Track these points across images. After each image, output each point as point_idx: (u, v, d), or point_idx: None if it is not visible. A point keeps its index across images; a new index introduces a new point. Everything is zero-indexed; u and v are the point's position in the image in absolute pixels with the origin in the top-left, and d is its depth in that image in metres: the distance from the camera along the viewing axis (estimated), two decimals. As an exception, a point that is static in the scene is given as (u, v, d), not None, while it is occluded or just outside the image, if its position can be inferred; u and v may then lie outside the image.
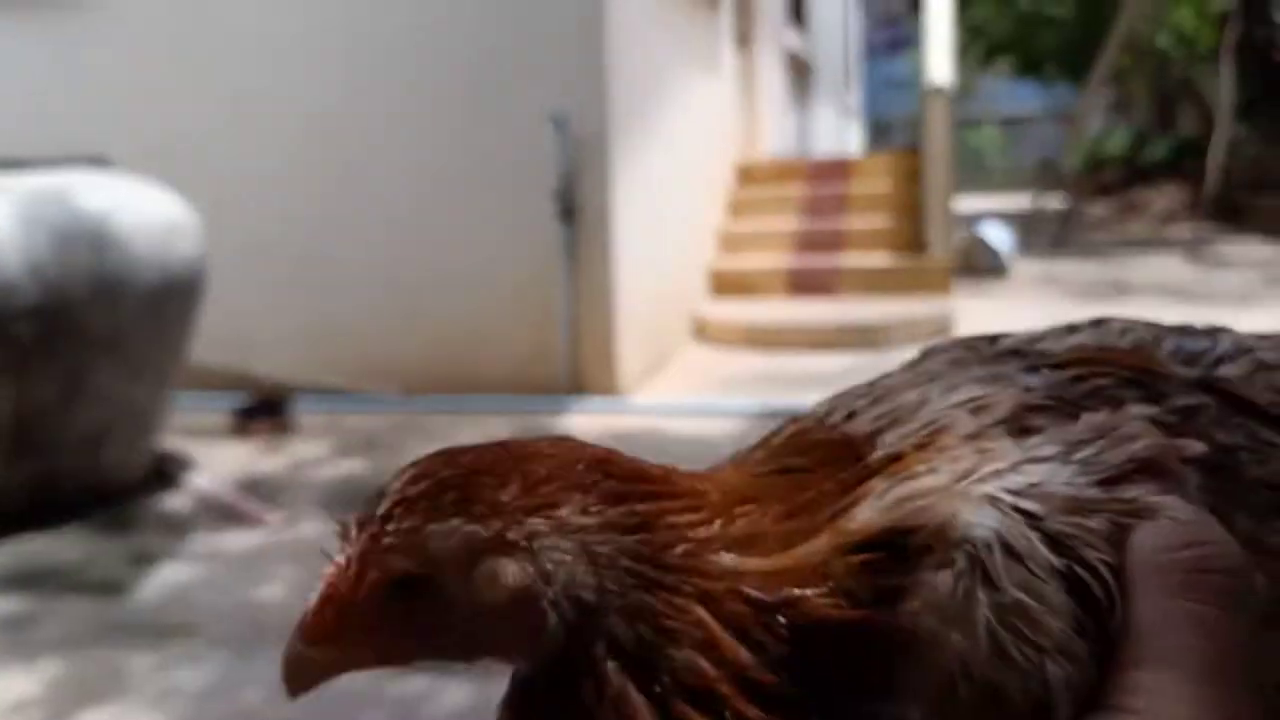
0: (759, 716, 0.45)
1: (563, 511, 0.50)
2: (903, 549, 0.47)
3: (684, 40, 8.21)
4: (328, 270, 6.57)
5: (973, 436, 0.50)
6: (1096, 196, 18.95)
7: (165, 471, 4.93)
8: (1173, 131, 19.59)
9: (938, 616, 0.45)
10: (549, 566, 0.49)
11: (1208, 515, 0.48)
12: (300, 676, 0.52)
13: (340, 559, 0.51)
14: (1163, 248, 13.83)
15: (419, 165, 6.46)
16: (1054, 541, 0.47)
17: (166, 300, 4.69)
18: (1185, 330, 0.63)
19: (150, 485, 4.79)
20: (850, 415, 0.55)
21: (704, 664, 0.46)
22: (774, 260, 9.18)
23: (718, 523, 0.50)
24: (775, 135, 12.00)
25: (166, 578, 3.87)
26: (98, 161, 5.18)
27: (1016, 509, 0.47)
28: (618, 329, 6.37)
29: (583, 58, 6.23)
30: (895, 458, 0.51)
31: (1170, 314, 0.59)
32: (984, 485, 0.48)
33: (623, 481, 0.51)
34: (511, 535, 0.50)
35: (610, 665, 0.48)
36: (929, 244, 9.05)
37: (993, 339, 0.62)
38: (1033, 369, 0.55)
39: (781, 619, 0.47)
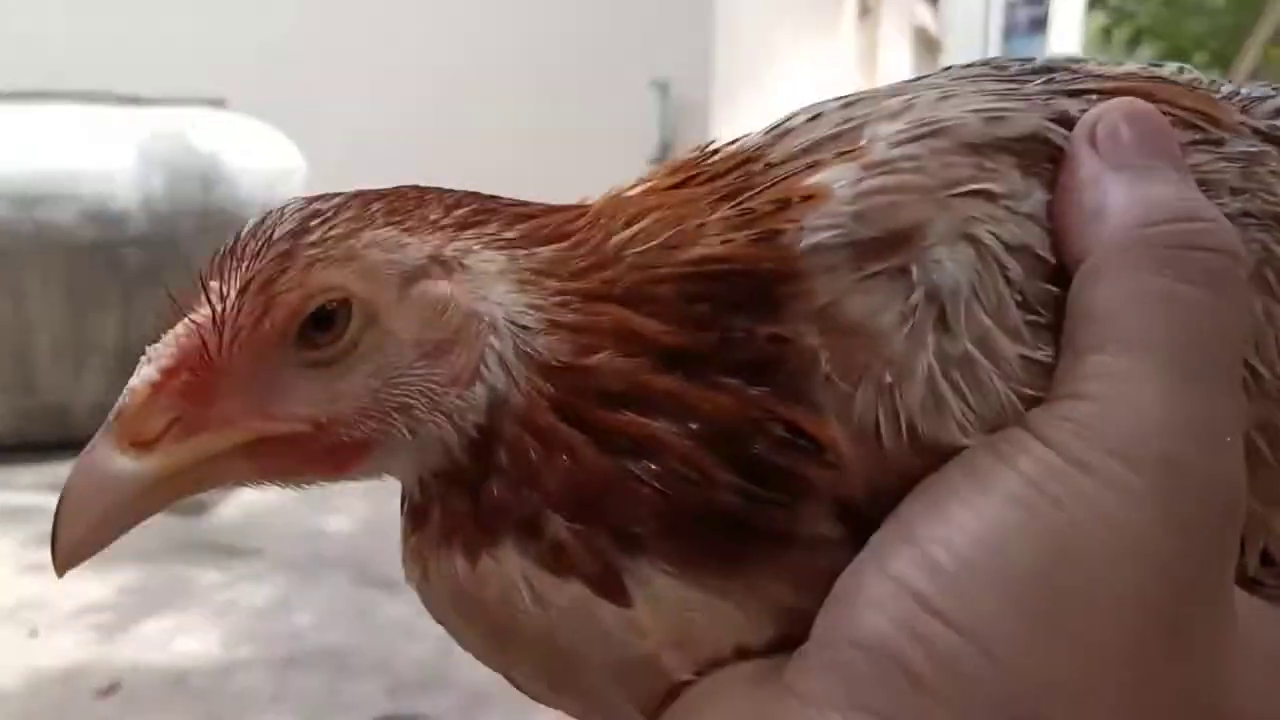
0: (672, 386, 0.41)
1: (490, 228, 0.46)
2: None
3: (799, 8, 8.17)
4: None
5: (975, 148, 0.42)
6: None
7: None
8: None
9: (870, 343, 0.40)
10: (488, 290, 0.44)
11: (1201, 196, 0.42)
12: (112, 512, 0.40)
13: (212, 302, 0.42)
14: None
15: (522, 126, 6.58)
16: (1029, 306, 0.41)
17: (268, 240, 4.90)
18: (1245, 84, 0.56)
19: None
20: (816, 116, 0.46)
21: (621, 363, 0.42)
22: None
23: (605, 219, 0.45)
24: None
25: (245, 501, 4.09)
26: (214, 103, 5.42)
27: (998, 262, 0.41)
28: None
29: (690, 23, 6.27)
30: (847, 151, 0.43)
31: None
32: (974, 214, 0.41)
33: (513, 205, 0.48)
34: (450, 252, 0.44)
35: (546, 404, 0.42)
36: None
37: (1026, 59, 0.51)
38: (1076, 94, 0.46)
39: (674, 267, 0.42)
